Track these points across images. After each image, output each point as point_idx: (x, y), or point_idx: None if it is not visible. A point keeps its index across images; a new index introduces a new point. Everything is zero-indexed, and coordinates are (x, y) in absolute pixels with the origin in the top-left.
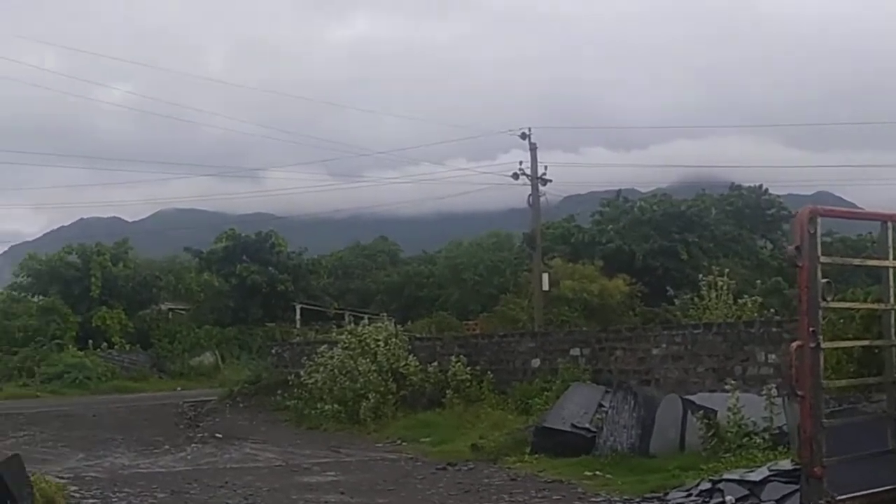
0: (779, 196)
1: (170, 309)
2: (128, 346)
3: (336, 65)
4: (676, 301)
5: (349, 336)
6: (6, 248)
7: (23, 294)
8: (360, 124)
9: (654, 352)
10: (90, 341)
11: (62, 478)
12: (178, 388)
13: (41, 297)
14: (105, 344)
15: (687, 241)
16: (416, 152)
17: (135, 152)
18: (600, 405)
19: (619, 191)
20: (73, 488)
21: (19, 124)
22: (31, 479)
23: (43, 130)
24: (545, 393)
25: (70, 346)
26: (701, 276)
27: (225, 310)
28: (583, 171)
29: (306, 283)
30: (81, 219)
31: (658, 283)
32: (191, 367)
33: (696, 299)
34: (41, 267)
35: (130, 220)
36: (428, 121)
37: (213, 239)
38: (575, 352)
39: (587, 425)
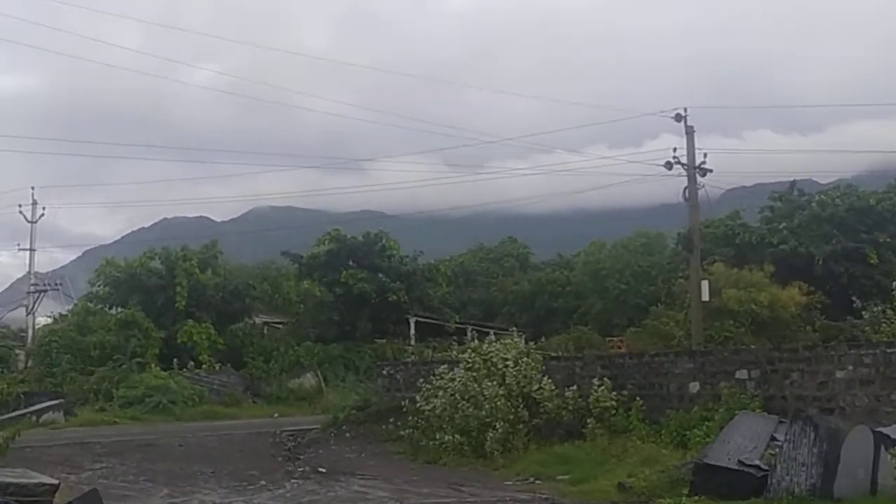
0: None
1: (265, 323)
2: (218, 366)
3: (453, 39)
4: (865, 314)
5: (472, 355)
6: (80, 253)
7: (99, 305)
8: (481, 107)
9: (839, 375)
10: (175, 360)
11: None
12: (276, 415)
13: (120, 310)
14: (192, 363)
15: (877, 242)
16: (549, 138)
17: (225, 142)
18: (773, 438)
19: (793, 182)
20: None
21: (99, 112)
22: None
23: (122, 119)
24: (706, 423)
25: (153, 366)
26: (895, 283)
27: (328, 324)
28: (748, 158)
29: (422, 293)
30: (164, 219)
31: (842, 292)
32: (289, 390)
33: (888, 311)
34: (120, 274)
35: (219, 219)
36: (562, 103)
37: (315, 241)
38: (742, 374)
39: (757, 462)
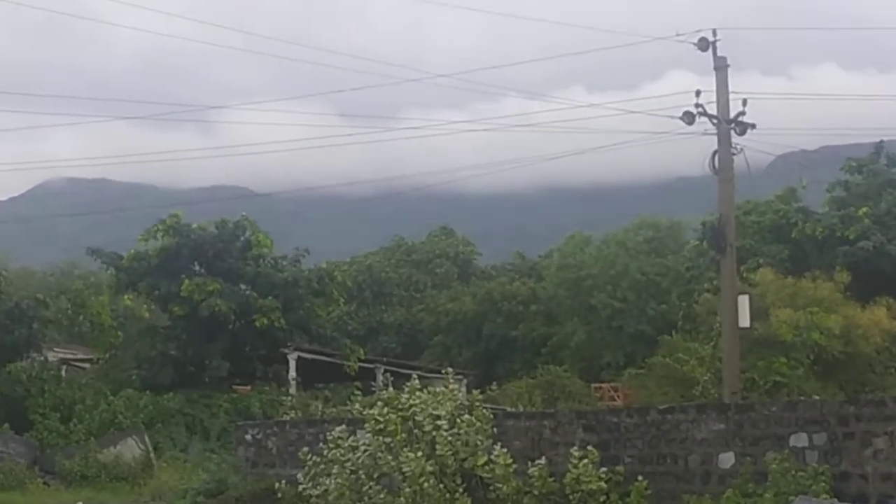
0: None
1: (63, 360)
2: None
3: None
4: None
5: (385, 410)
6: None
7: None
8: (395, 28)
9: None
10: None
11: None
12: None
13: None
14: None
15: None
16: (499, 77)
17: None
18: None
19: (880, 144)
20: None
21: None
22: None
23: None
24: None
25: None
26: None
27: (162, 362)
28: (808, 108)
29: (307, 314)
30: None
31: None
32: (101, 464)
33: None
34: None
35: None
36: (519, 20)
37: (141, 233)
38: (799, 440)
39: None
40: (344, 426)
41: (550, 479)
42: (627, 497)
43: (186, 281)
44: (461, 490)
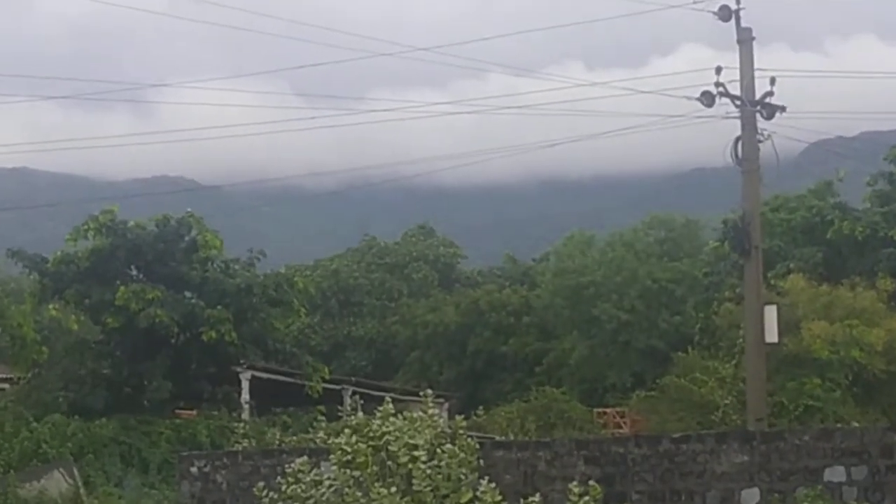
0: None
1: None
2: None
3: None
4: None
5: (354, 439)
6: None
7: None
8: None
9: None
10: None
11: None
12: None
13: None
14: None
15: None
16: (484, 51)
17: None
18: None
19: None
20: None
21: None
22: None
23: None
24: None
25: None
26: None
27: (93, 382)
28: (844, 87)
29: (263, 326)
30: None
31: None
32: (22, 500)
33: None
34: None
35: None
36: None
37: (69, 232)
38: (835, 474)
39: None
40: (305, 457)
41: None
42: None
43: (122, 288)
44: None
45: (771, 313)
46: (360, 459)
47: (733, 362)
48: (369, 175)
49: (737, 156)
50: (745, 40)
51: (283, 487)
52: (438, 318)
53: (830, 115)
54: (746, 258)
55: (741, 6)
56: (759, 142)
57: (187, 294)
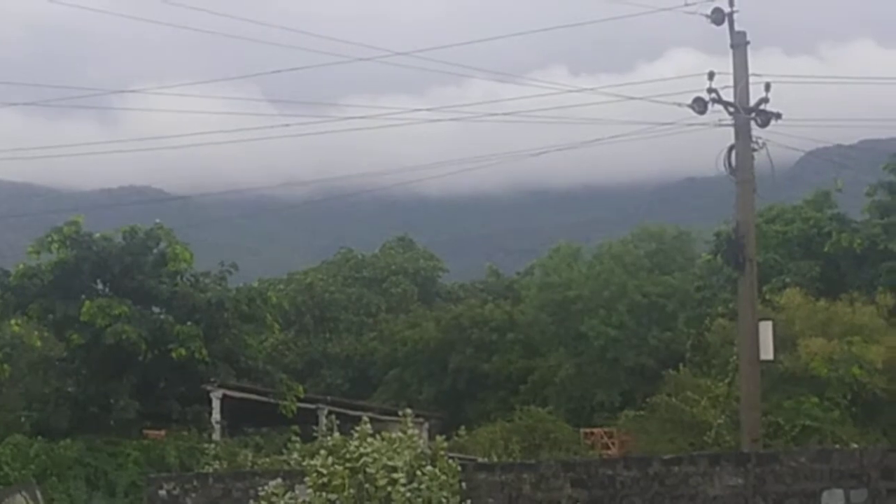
0: None
1: None
2: None
3: None
4: None
5: (330, 460)
6: None
7: None
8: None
9: None
10: None
11: None
12: None
13: None
14: None
15: None
16: (466, 55)
17: None
18: None
19: None
20: None
21: None
22: None
23: None
24: None
25: None
26: None
27: (57, 401)
28: (841, 93)
29: (234, 343)
30: None
31: None
32: None
33: None
34: None
35: None
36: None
37: (31, 244)
38: (833, 498)
39: None
40: (279, 480)
41: None
42: None
43: (87, 303)
44: None
45: (766, 329)
46: (337, 482)
47: (727, 380)
48: (346, 185)
49: (730, 165)
50: (740, 45)
51: None
52: (418, 335)
53: (828, 122)
54: (740, 272)
55: (735, 9)
56: (754, 150)
57: (156, 309)
